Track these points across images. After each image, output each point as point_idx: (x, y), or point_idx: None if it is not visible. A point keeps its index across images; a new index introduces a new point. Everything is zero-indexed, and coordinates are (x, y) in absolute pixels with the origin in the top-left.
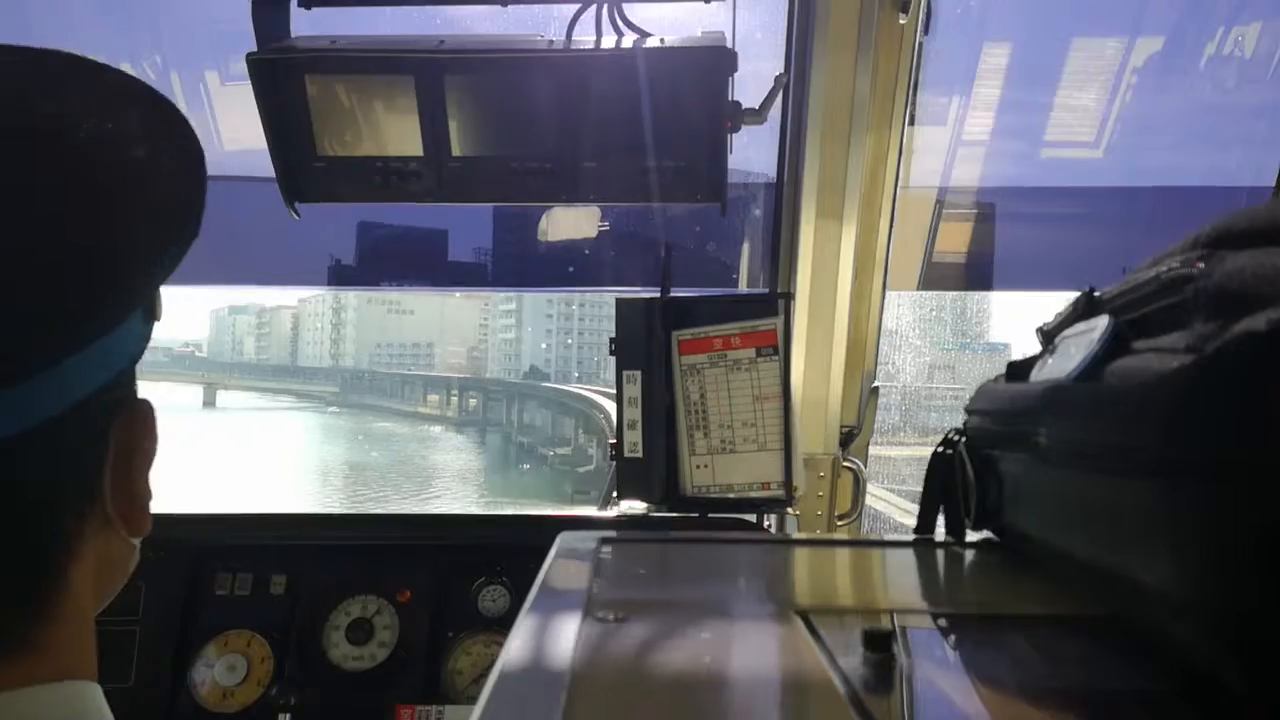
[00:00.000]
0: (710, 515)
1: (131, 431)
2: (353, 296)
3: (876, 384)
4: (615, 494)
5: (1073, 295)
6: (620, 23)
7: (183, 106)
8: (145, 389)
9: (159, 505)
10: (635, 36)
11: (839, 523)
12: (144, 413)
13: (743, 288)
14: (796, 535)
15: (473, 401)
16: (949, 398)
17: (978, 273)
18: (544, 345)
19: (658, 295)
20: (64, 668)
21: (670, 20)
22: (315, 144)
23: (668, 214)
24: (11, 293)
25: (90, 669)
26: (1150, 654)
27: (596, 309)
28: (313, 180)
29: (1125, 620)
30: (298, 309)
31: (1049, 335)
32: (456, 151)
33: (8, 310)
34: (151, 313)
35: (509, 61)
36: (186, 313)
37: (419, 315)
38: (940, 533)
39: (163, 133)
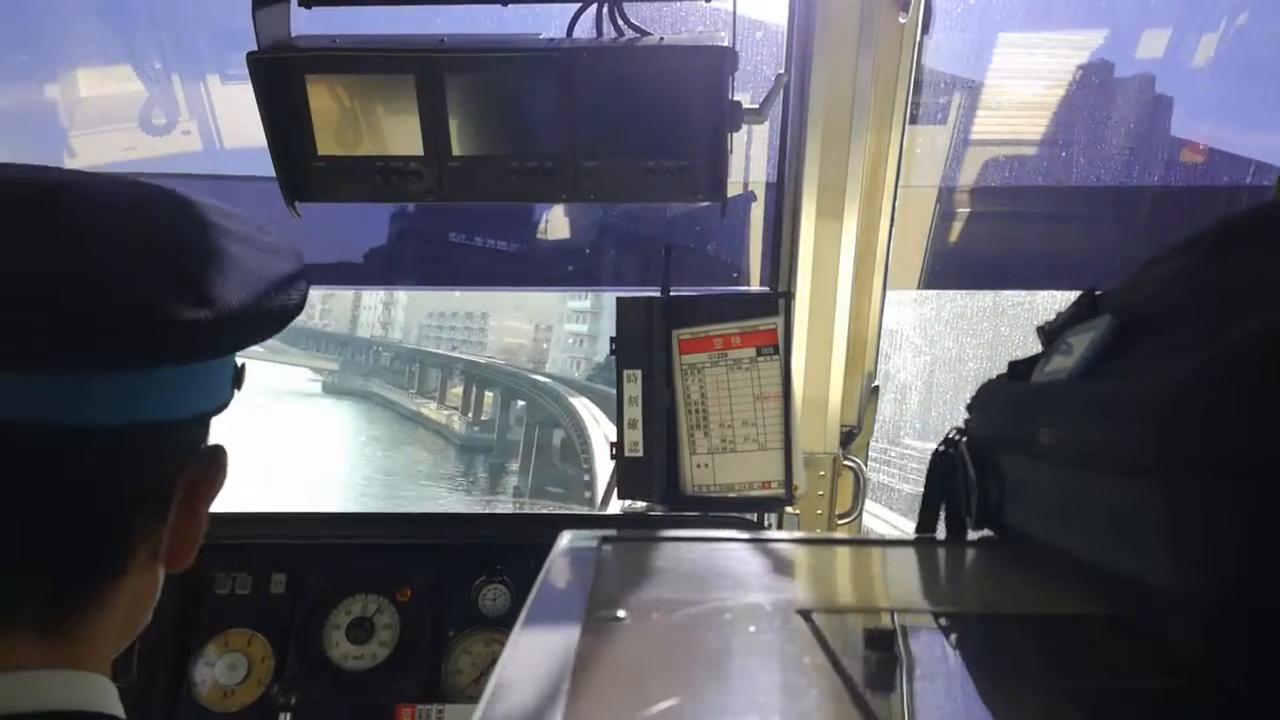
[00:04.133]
0: (711, 514)
1: (205, 472)
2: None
3: (877, 383)
4: (615, 493)
5: (1074, 294)
6: (620, 22)
7: (183, 106)
8: None
9: None
10: (635, 36)
11: (839, 522)
12: (219, 456)
13: (743, 287)
14: (797, 534)
15: (520, 402)
16: None
17: (979, 272)
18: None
19: (658, 294)
20: (89, 663)
21: (670, 20)
22: (315, 143)
23: (668, 213)
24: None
25: (106, 672)
26: (1150, 654)
27: None
28: (313, 180)
29: (1125, 620)
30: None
31: (1051, 335)
32: (457, 151)
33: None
34: (239, 380)
35: (509, 60)
36: None
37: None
38: (941, 532)
39: (303, 274)
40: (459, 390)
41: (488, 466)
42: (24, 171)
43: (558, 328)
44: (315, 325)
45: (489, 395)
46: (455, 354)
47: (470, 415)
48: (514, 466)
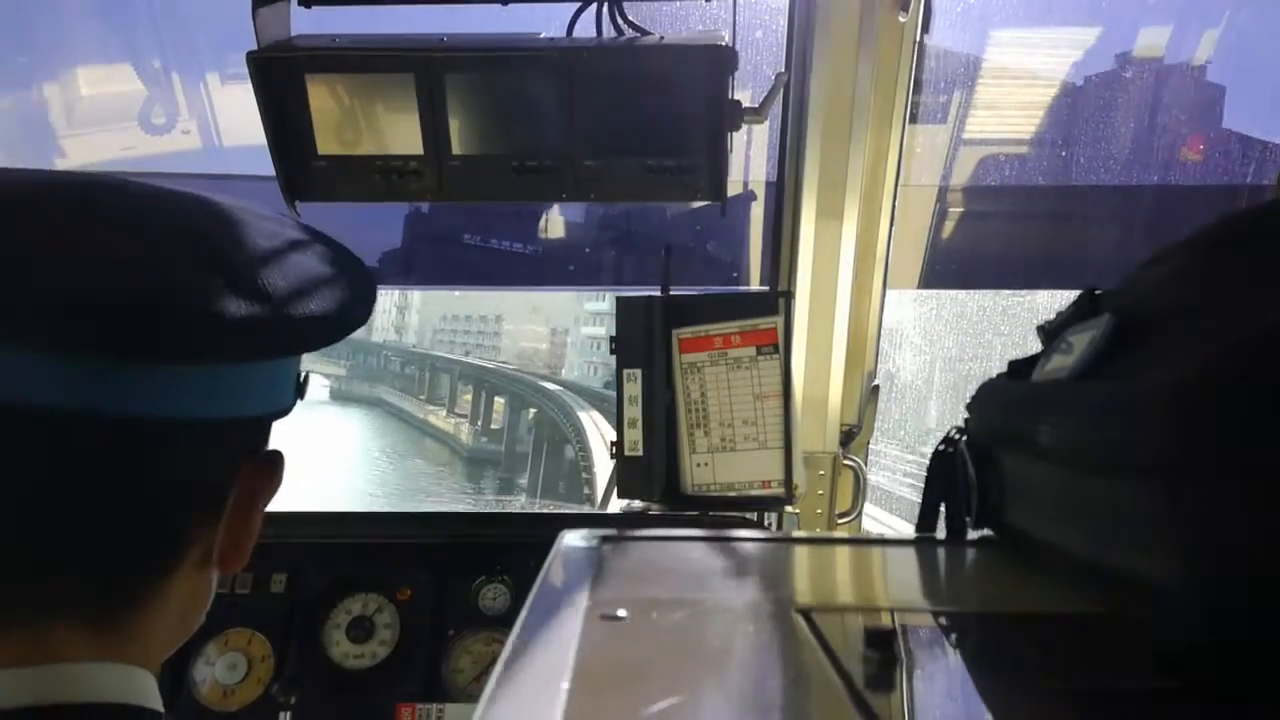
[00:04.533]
0: (711, 514)
1: (261, 475)
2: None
3: (877, 382)
4: (615, 493)
5: (1073, 295)
6: (620, 21)
7: (183, 106)
8: None
9: None
10: (635, 35)
11: (839, 521)
12: (277, 461)
13: (743, 286)
14: (797, 534)
15: (533, 411)
16: None
17: (978, 271)
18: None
19: (658, 294)
20: (135, 659)
21: (670, 19)
22: (316, 143)
23: (668, 213)
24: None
25: (155, 672)
26: (1150, 654)
27: None
28: (313, 179)
29: (1125, 619)
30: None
31: (1051, 334)
32: (457, 150)
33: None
34: (302, 389)
35: (510, 60)
36: None
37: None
38: (941, 531)
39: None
40: (469, 397)
41: (496, 482)
42: (90, 175)
43: (575, 331)
44: None
45: (499, 402)
46: (468, 359)
47: (479, 425)
48: (523, 481)
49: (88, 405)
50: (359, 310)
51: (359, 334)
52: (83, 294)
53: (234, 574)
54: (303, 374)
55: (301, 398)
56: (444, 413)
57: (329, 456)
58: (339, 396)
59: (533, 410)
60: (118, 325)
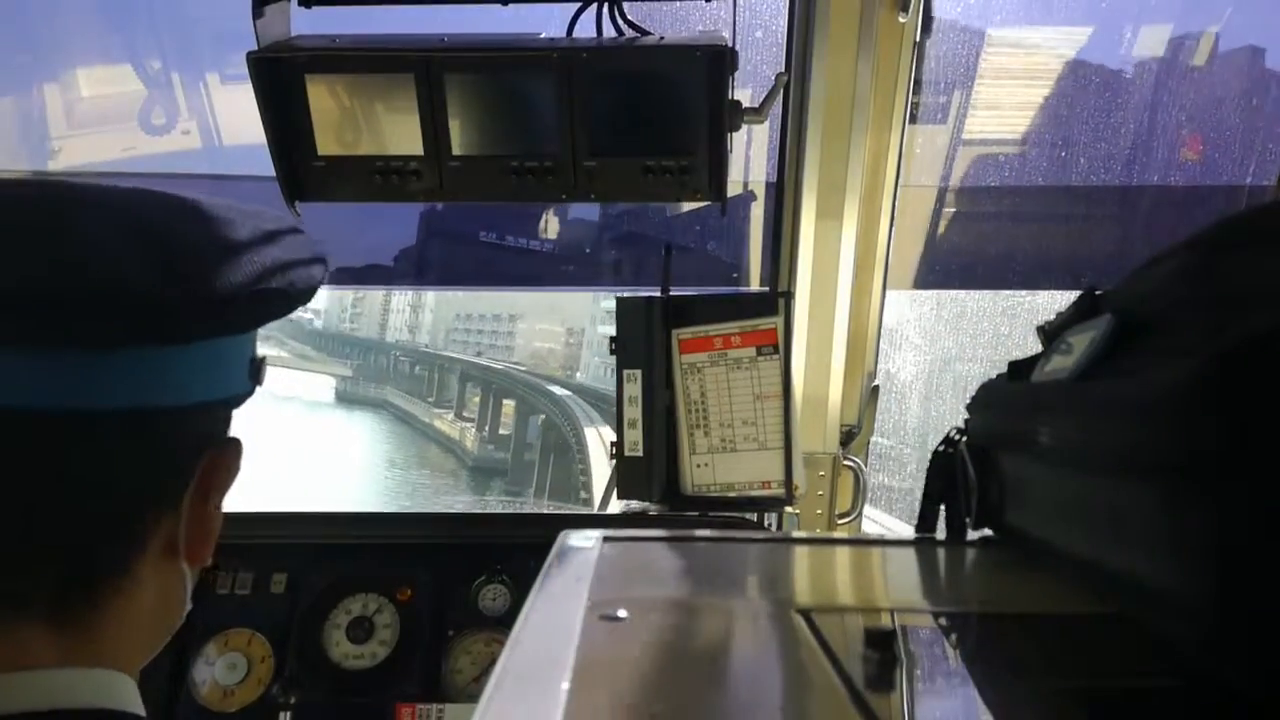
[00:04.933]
0: (711, 514)
1: (218, 463)
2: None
3: (877, 383)
4: (615, 493)
5: (1073, 295)
6: (620, 21)
7: (183, 104)
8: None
9: None
10: (635, 35)
11: (839, 521)
12: (234, 449)
13: (743, 286)
14: (797, 534)
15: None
16: None
17: (979, 272)
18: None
19: (658, 294)
20: (111, 661)
21: (670, 19)
22: (315, 143)
23: (668, 213)
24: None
25: (131, 674)
26: (1150, 654)
27: None
28: (313, 179)
29: (1125, 620)
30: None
31: (1051, 335)
32: (457, 150)
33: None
34: (257, 373)
35: (509, 60)
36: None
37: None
38: (941, 532)
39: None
40: (476, 399)
41: (502, 495)
42: (39, 181)
43: (590, 330)
44: (345, 328)
45: (508, 405)
46: (479, 359)
47: (486, 431)
48: (530, 493)
49: (28, 400)
50: (297, 285)
51: (368, 333)
52: (10, 285)
53: (203, 567)
54: (258, 356)
55: (259, 383)
56: (451, 416)
57: (324, 465)
58: (344, 398)
59: (541, 416)
60: (35, 314)
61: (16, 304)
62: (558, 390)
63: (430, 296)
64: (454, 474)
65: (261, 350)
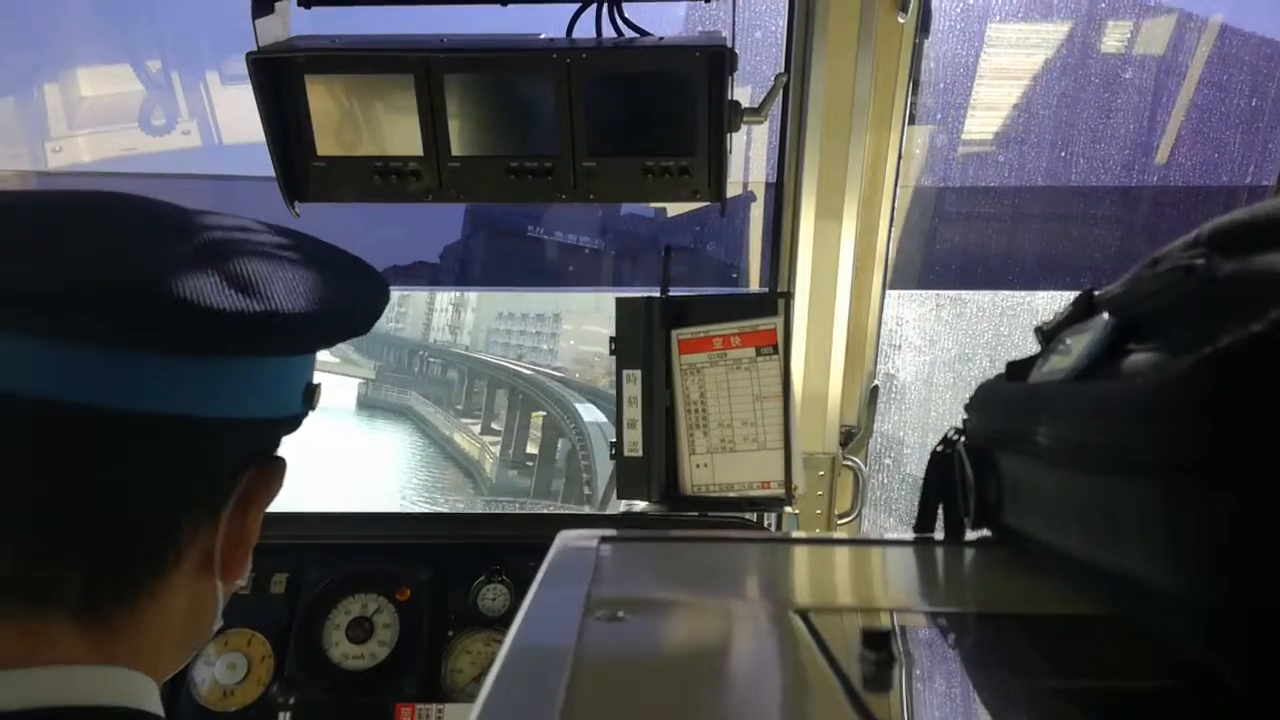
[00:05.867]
0: (710, 514)
1: (261, 480)
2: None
3: (877, 383)
4: (615, 493)
5: (1073, 294)
6: (620, 22)
7: (183, 105)
8: None
9: None
10: (635, 36)
11: (839, 522)
12: (278, 468)
13: (742, 287)
14: (796, 534)
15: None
16: None
17: (979, 272)
18: None
19: (657, 294)
20: (138, 663)
21: (670, 20)
22: (315, 143)
23: (668, 213)
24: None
25: (155, 678)
26: (1150, 654)
27: None
28: (313, 180)
29: (1125, 620)
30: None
31: (1049, 335)
32: (456, 151)
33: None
34: (310, 397)
35: (509, 60)
36: None
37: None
38: (940, 532)
39: (373, 291)
40: (508, 410)
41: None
42: (113, 193)
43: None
44: (390, 327)
45: (536, 419)
46: (520, 363)
47: (511, 453)
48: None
49: (79, 396)
50: (354, 315)
51: (411, 333)
52: (75, 284)
53: (236, 585)
54: (313, 381)
55: (312, 408)
56: (478, 428)
57: (314, 493)
58: (366, 404)
59: (567, 442)
60: (106, 311)
61: (83, 303)
62: (587, 415)
63: (473, 295)
64: (471, 503)
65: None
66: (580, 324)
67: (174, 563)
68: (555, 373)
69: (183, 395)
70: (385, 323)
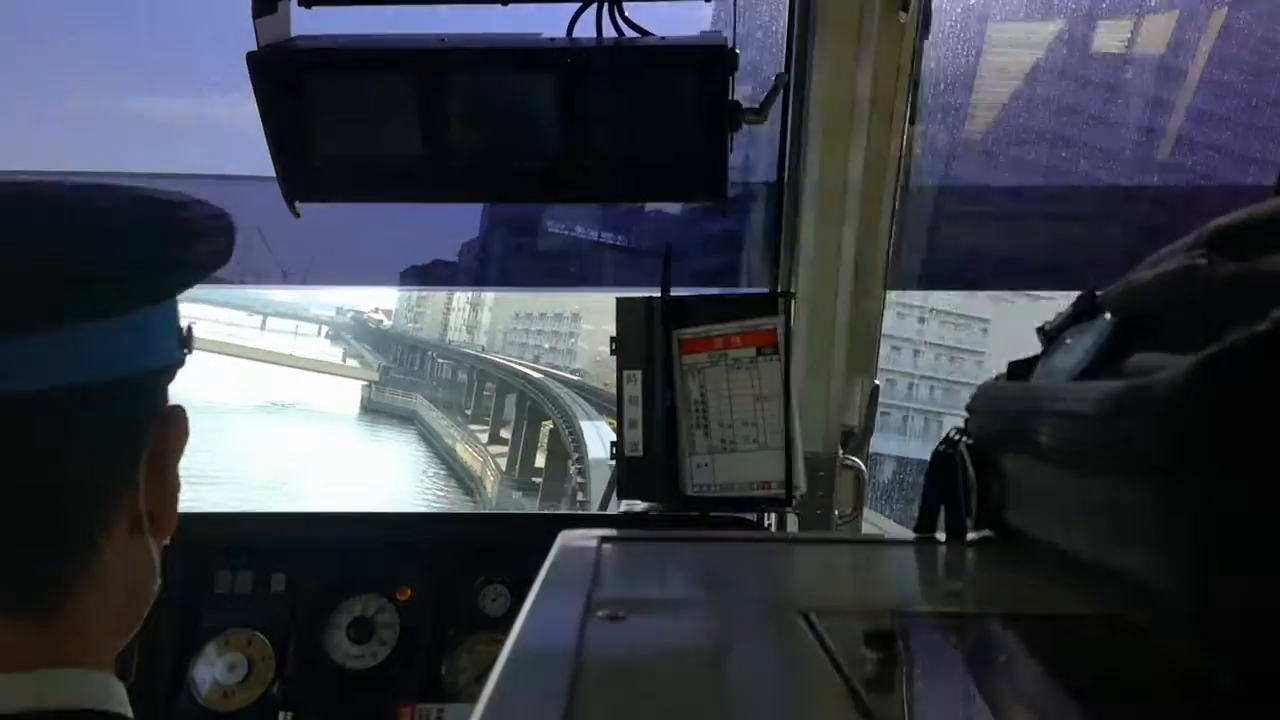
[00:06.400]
0: (711, 514)
1: (166, 430)
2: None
3: (877, 382)
4: (616, 493)
5: (1074, 295)
6: (620, 22)
7: (183, 105)
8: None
9: None
10: (635, 35)
11: (839, 522)
12: (179, 416)
13: (743, 287)
14: (797, 534)
15: None
16: None
17: (979, 272)
18: None
19: (658, 294)
20: (87, 654)
21: (670, 19)
22: (315, 143)
23: (668, 213)
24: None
25: (109, 665)
26: (1150, 654)
27: None
28: (313, 179)
29: (1125, 620)
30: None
31: (1050, 335)
32: (457, 150)
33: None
34: (186, 341)
35: (509, 60)
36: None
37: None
38: (941, 532)
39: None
40: (523, 419)
41: None
42: None
43: None
44: (409, 328)
45: (545, 429)
46: (537, 365)
47: (517, 471)
48: None
49: None
50: (198, 255)
51: (429, 334)
52: None
53: (164, 540)
54: (185, 325)
55: (189, 350)
56: (485, 438)
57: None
58: (370, 409)
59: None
60: None
61: None
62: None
63: (489, 295)
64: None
65: (273, 337)
66: (600, 323)
67: (104, 534)
68: (572, 375)
69: (73, 364)
70: (401, 322)
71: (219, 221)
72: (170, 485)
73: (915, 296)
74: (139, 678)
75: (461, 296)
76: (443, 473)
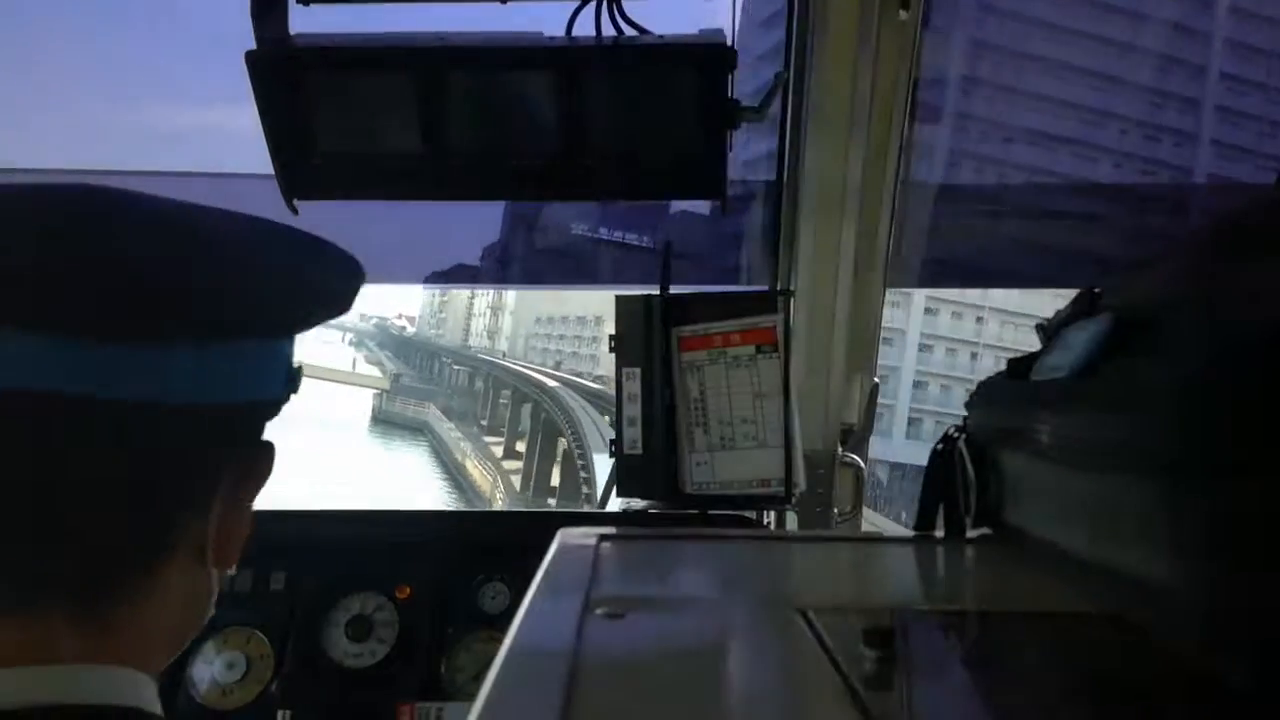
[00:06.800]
0: (710, 512)
1: (249, 468)
2: None
3: (877, 381)
4: (615, 491)
5: (1074, 293)
6: (620, 20)
7: (182, 105)
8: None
9: None
10: (635, 34)
11: (839, 520)
12: (267, 453)
13: (743, 284)
14: (796, 533)
15: None
16: None
17: (979, 271)
18: None
19: (657, 292)
20: (130, 660)
21: (670, 18)
22: (314, 141)
23: (668, 211)
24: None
25: (152, 675)
26: (1150, 652)
27: None
28: (312, 178)
29: (1125, 618)
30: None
31: (1050, 333)
32: (456, 148)
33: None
34: (293, 380)
35: (509, 58)
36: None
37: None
38: (940, 530)
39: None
40: (526, 430)
41: None
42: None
43: None
44: (432, 333)
45: (561, 445)
46: (558, 371)
47: (531, 491)
48: None
49: (68, 388)
50: (327, 293)
51: (451, 340)
52: (63, 277)
53: (229, 572)
54: (295, 364)
55: (295, 390)
56: (501, 451)
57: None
58: (381, 419)
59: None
60: (93, 304)
61: (51, 292)
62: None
63: (510, 298)
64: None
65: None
66: None
67: (168, 556)
68: (594, 384)
69: (169, 384)
70: (424, 328)
71: (351, 268)
72: (240, 521)
73: (974, 295)
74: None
75: (482, 301)
76: (454, 494)
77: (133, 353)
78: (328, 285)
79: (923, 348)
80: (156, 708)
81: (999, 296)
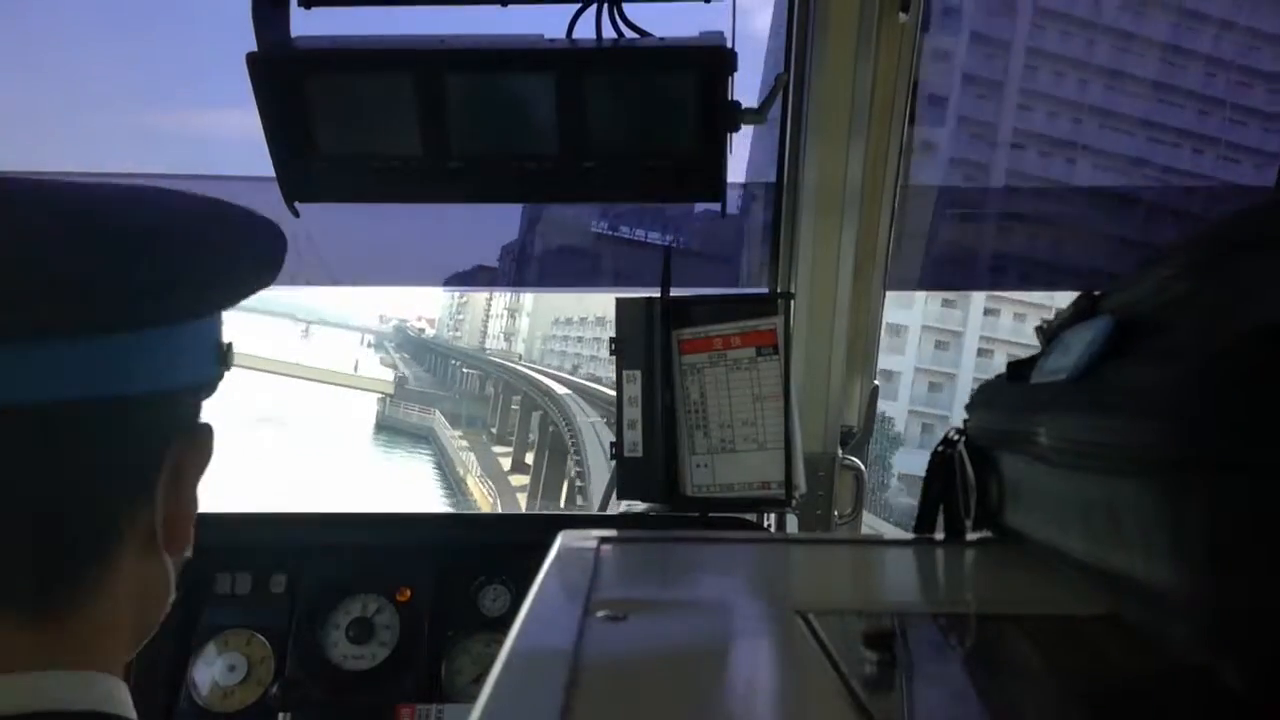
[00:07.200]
0: (710, 515)
1: (190, 450)
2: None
3: (877, 383)
4: (615, 493)
5: (1073, 295)
6: (620, 22)
7: (182, 105)
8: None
9: None
10: (635, 36)
11: (839, 522)
12: (204, 434)
13: (743, 287)
14: (796, 535)
15: None
16: None
17: (979, 272)
18: None
19: (657, 295)
20: (93, 659)
21: (670, 20)
22: (315, 143)
23: (668, 214)
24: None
25: (117, 671)
26: (1150, 654)
27: None
28: (312, 180)
29: (1125, 619)
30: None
31: (1050, 335)
32: (456, 151)
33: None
34: (224, 359)
35: (510, 60)
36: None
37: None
38: (940, 532)
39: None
40: (535, 439)
41: None
42: None
43: None
44: (450, 336)
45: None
46: (574, 376)
47: (538, 506)
48: None
49: (7, 396)
50: (246, 270)
51: (468, 342)
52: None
53: (182, 556)
54: (225, 342)
55: (227, 368)
56: (509, 464)
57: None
58: (385, 425)
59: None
60: (13, 308)
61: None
62: None
63: (528, 299)
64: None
65: (302, 340)
66: None
67: (118, 548)
68: (612, 391)
69: (99, 377)
70: (443, 331)
71: (268, 233)
72: (187, 503)
73: (1038, 295)
74: (138, 678)
75: (500, 302)
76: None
77: (52, 351)
78: (251, 258)
79: (981, 352)
80: (123, 707)
81: (1063, 295)
